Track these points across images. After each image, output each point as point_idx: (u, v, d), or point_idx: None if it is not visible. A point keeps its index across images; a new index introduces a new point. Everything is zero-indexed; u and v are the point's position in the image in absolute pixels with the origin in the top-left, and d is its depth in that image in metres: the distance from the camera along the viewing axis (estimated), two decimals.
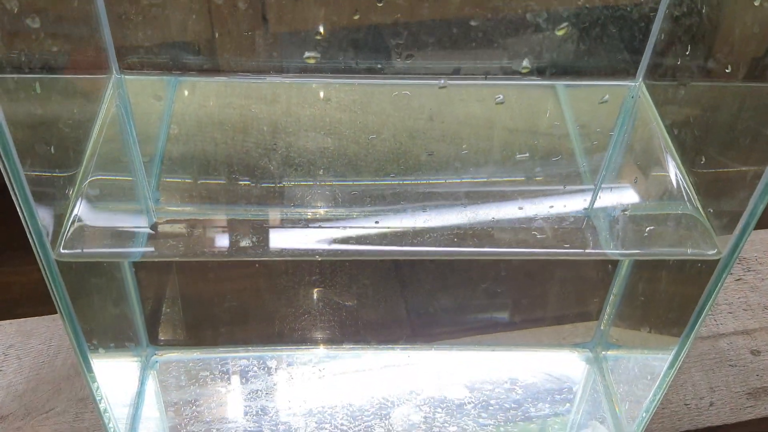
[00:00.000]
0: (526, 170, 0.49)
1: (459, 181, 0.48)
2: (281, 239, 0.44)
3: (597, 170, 0.49)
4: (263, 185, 0.47)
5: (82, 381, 0.58)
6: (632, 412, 0.55)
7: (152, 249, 0.41)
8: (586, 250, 0.44)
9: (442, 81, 0.50)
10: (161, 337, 0.60)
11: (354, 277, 0.59)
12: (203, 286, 0.59)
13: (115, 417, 0.51)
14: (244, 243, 0.43)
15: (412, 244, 0.44)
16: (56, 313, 0.46)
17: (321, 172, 0.48)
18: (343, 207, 0.46)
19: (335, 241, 0.44)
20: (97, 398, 0.48)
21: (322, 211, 0.46)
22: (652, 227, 0.45)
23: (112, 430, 0.51)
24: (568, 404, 0.58)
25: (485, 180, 0.49)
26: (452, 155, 0.50)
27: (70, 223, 0.40)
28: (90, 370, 0.47)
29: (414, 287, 0.60)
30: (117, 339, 0.54)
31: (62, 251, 0.38)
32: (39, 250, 0.37)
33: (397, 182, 0.47)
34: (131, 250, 0.42)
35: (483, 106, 0.53)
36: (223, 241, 0.43)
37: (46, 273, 0.38)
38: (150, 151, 0.48)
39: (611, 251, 0.44)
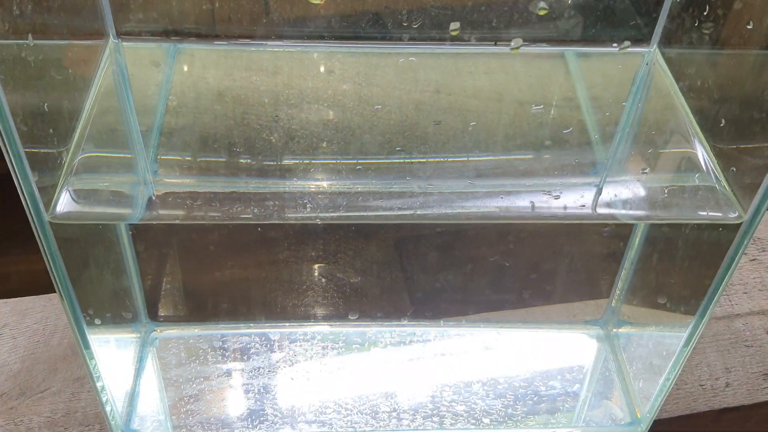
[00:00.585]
0: (537, 142, 0.48)
1: (467, 155, 0.47)
2: (283, 203, 0.43)
3: (610, 141, 0.48)
4: (264, 157, 0.45)
5: (78, 361, 0.57)
6: (646, 391, 0.53)
7: (150, 211, 0.40)
8: (598, 211, 0.43)
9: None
10: (161, 313, 0.59)
11: (358, 252, 0.57)
12: (204, 261, 0.57)
13: (113, 395, 0.49)
14: (246, 207, 0.41)
15: (417, 208, 0.42)
16: (53, 292, 0.45)
17: (324, 144, 0.47)
18: (347, 180, 0.45)
19: (338, 205, 0.43)
20: (94, 375, 0.47)
21: (325, 184, 0.44)
22: (669, 193, 0.43)
23: (109, 408, 0.49)
24: (578, 383, 0.56)
25: (494, 152, 0.48)
26: (459, 127, 0.48)
27: (64, 187, 0.38)
28: (87, 346, 0.46)
29: (418, 264, 0.58)
30: (115, 314, 0.53)
31: (57, 212, 0.37)
32: (32, 213, 0.35)
33: (403, 159, 0.46)
34: (129, 212, 0.40)
35: (491, 79, 0.52)
36: (224, 204, 0.42)
37: (39, 237, 0.37)
38: (148, 122, 0.46)
39: (628, 212, 0.43)
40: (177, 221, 0.43)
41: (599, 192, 0.44)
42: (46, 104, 0.37)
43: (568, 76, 0.51)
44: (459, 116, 0.50)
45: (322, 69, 0.51)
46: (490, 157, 0.47)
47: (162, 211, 0.41)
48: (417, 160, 0.46)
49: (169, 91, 0.48)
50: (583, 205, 0.43)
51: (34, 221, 0.36)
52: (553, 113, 0.50)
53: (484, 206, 0.43)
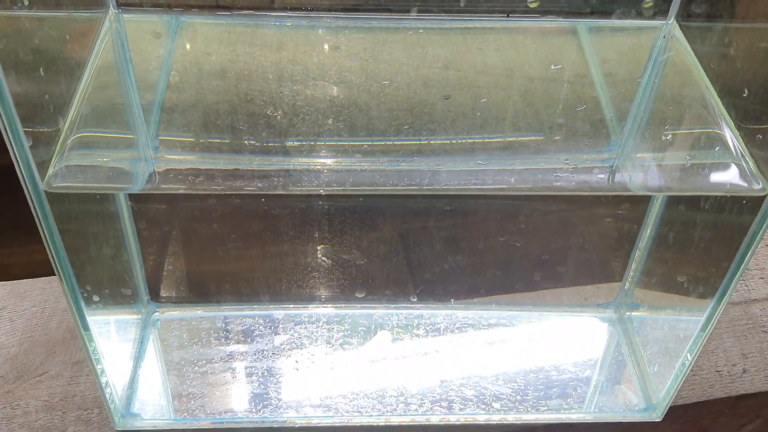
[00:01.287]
0: (549, 119, 0.47)
1: (477, 132, 0.45)
2: (288, 179, 0.41)
3: (625, 118, 0.46)
4: (268, 135, 0.44)
5: (78, 344, 0.55)
6: (661, 376, 0.52)
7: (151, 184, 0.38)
8: (616, 180, 0.42)
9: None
10: (163, 293, 0.57)
11: (364, 233, 0.56)
12: (207, 241, 0.56)
13: (113, 378, 0.48)
14: (249, 182, 0.40)
15: (425, 183, 0.41)
16: (52, 274, 0.43)
17: (330, 121, 0.45)
18: (353, 158, 0.43)
19: (344, 181, 0.42)
20: (93, 357, 0.46)
21: (330, 161, 0.43)
22: (690, 166, 0.42)
23: (108, 392, 0.48)
24: (591, 368, 0.55)
25: (504, 128, 0.46)
26: (469, 104, 0.47)
27: (61, 157, 0.37)
28: (86, 327, 0.44)
29: (426, 245, 0.57)
30: (115, 293, 0.51)
31: (53, 182, 0.35)
32: (27, 182, 0.34)
33: (411, 138, 0.44)
34: (127, 183, 0.39)
35: (501, 55, 0.50)
36: (226, 180, 0.40)
37: (35, 208, 0.35)
38: (149, 97, 0.45)
39: (646, 184, 0.42)
40: (180, 191, 0.41)
41: (615, 165, 0.43)
42: (42, 69, 0.35)
43: (580, 52, 0.50)
44: (468, 92, 0.48)
45: (327, 45, 0.49)
46: (500, 138, 0.46)
47: (163, 185, 0.39)
48: (426, 141, 0.45)
49: (171, 66, 0.47)
50: (600, 177, 0.42)
51: (28, 190, 0.34)
52: (565, 90, 0.48)
53: (495, 179, 0.42)
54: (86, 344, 0.45)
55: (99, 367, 0.46)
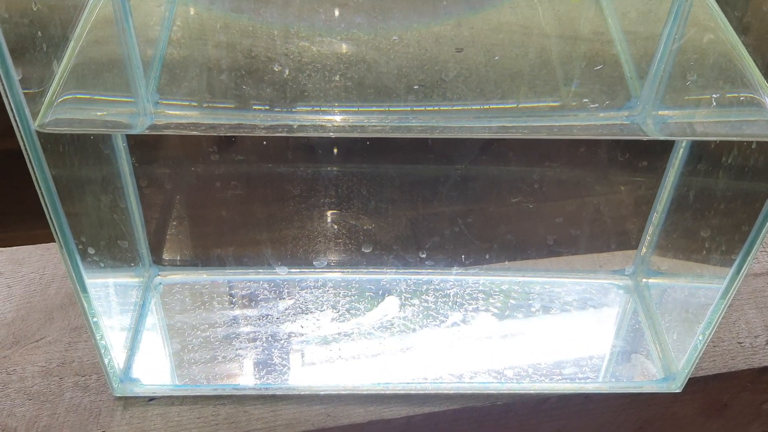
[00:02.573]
0: (567, 76, 0.45)
1: (491, 90, 0.44)
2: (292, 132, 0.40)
3: (645, 76, 0.44)
4: (273, 92, 0.42)
5: (76, 310, 0.54)
6: (680, 346, 0.50)
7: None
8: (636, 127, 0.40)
9: None
10: (165, 256, 0.55)
11: (372, 194, 0.54)
12: (212, 202, 0.54)
13: (112, 342, 0.46)
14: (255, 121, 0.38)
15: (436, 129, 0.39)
16: (52, 240, 0.42)
17: (337, 77, 0.43)
18: (361, 114, 0.41)
19: (352, 124, 0.40)
20: (91, 319, 0.44)
21: (338, 118, 0.41)
22: (713, 119, 0.40)
23: (107, 356, 0.46)
24: (606, 336, 0.53)
25: (520, 86, 0.44)
26: (482, 61, 0.45)
27: (56, 96, 0.35)
28: (84, 289, 0.43)
29: (436, 206, 0.55)
30: (115, 256, 0.49)
31: (46, 121, 0.33)
32: (18, 121, 0.32)
33: (421, 97, 0.42)
34: (125, 120, 0.37)
35: (516, 13, 0.48)
36: (230, 130, 0.39)
37: (27, 150, 0.33)
38: (149, 53, 0.43)
39: (669, 129, 0.40)
40: (181, 130, 0.39)
41: (635, 121, 0.41)
42: (34, 2, 0.33)
43: (599, 10, 0.48)
44: (482, 50, 0.46)
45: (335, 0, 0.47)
46: (515, 97, 0.44)
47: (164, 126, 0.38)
48: (436, 102, 0.43)
49: (173, 21, 0.45)
50: (621, 122, 0.40)
51: (20, 130, 0.32)
52: (583, 48, 0.47)
53: (511, 125, 0.40)
54: (83, 304, 0.43)
55: (97, 330, 0.45)
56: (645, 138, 0.41)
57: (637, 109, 0.42)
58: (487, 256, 0.56)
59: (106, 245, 0.47)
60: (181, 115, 0.42)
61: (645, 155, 0.52)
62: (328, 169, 0.53)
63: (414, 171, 0.54)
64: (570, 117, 0.42)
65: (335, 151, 0.53)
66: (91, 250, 0.42)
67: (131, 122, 0.39)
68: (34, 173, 0.34)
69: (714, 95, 0.41)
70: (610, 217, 0.56)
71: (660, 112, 0.42)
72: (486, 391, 0.50)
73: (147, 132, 0.37)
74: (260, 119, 0.41)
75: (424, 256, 0.56)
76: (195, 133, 0.39)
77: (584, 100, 0.43)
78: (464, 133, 0.40)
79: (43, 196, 0.35)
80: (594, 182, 0.54)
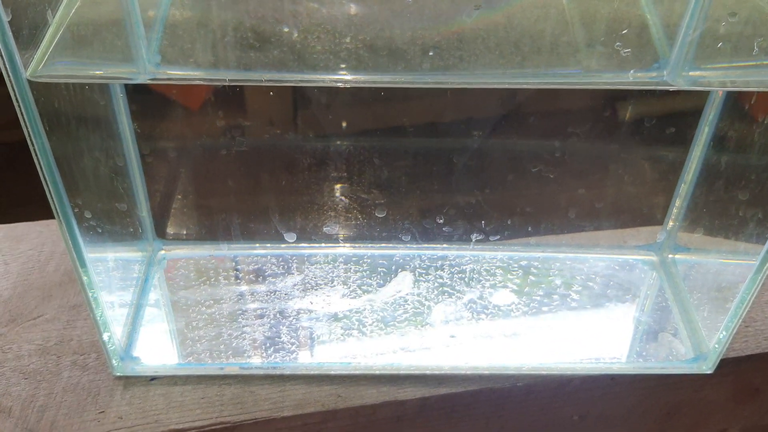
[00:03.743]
0: (591, 37, 0.42)
1: (510, 53, 0.41)
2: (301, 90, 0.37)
3: (674, 39, 0.42)
4: (279, 53, 0.40)
5: (76, 288, 0.51)
6: (710, 325, 0.47)
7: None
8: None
9: None
10: (170, 230, 0.53)
11: (385, 164, 0.51)
12: (218, 174, 0.52)
13: (111, 318, 0.44)
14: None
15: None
16: (51, 218, 0.39)
17: (348, 39, 0.41)
18: (373, 74, 0.39)
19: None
20: (89, 292, 0.42)
21: (349, 77, 0.39)
22: (747, 76, 0.37)
23: (107, 334, 0.44)
24: (632, 314, 0.50)
25: (541, 49, 0.42)
26: (502, 22, 0.43)
27: (50, 45, 0.33)
28: (82, 259, 0.40)
29: (452, 176, 0.53)
30: (115, 222, 0.47)
31: (39, 70, 0.31)
32: (8, 68, 0.30)
33: (437, 62, 0.40)
34: (123, 71, 0.35)
35: None
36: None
37: (17, 100, 0.31)
38: (150, 14, 0.41)
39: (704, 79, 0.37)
40: (186, 81, 0.37)
41: (666, 76, 0.39)
42: None
43: None
44: (500, 11, 0.44)
45: None
46: (537, 59, 0.41)
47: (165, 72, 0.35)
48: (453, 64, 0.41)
49: None
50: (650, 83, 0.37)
51: (10, 79, 0.30)
52: (607, 8, 0.44)
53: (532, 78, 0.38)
54: (81, 277, 0.41)
55: (96, 305, 0.42)
56: (674, 88, 0.38)
57: (667, 69, 0.40)
58: (505, 231, 0.54)
59: (105, 211, 0.45)
60: (183, 75, 0.40)
61: (672, 121, 0.49)
62: (340, 136, 0.51)
63: (429, 137, 0.52)
64: (594, 77, 0.39)
65: (346, 118, 0.50)
66: (87, 214, 0.39)
67: (130, 76, 0.37)
68: (26, 125, 0.32)
69: (748, 51, 0.39)
70: (635, 188, 0.53)
71: (691, 73, 0.40)
72: (505, 372, 0.47)
73: (148, 81, 0.35)
74: (266, 80, 0.39)
75: (439, 228, 0.54)
76: (199, 83, 0.37)
77: (608, 61, 0.40)
78: (483, 81, 0.38)
79: (36, 152, 0.33)
80: (619, 150, 0.52)
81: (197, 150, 0.51)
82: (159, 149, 0.50)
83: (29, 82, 0.31)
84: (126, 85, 0.46)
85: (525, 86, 0.41)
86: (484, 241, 0.54)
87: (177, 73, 0.39)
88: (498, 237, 0.53)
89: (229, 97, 0.50)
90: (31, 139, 0.32)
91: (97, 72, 0.36)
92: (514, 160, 0.52)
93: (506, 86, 0.39)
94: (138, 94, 0.48)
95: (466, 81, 0.38)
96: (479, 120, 0.51)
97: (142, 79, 0.35)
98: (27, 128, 0.32)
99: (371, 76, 0.39)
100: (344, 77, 0.39)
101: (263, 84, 0.38)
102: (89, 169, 0.42)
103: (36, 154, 0.33)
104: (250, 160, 0.51)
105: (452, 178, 0.53)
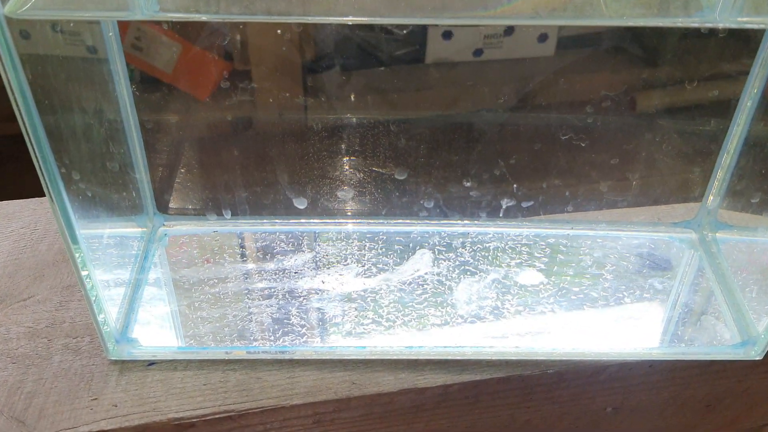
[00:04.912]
0: None
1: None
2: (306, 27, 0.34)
3: None
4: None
5: (70, 268, 0.48)
6: (757, 307, 0.44)
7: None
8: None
9: None
10: (171, 204, 0.50)
11: (401, 133, 0.48)
12: (223, 146, 0.48)
13: (105, 297, 0.40)
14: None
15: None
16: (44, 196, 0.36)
17: None
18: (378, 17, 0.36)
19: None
20: (80, 267, 0.38)
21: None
22: None
23: (101, 314, 0.41)
24: (671, 296, 0.47)
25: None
26: None
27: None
28: (75, 240, 0.37)
29: (473, 148, 0.49)
30: (112, 196, 0.44)
31: (20, 11, 0.27)
32: None
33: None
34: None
35: None
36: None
37: None
38: None
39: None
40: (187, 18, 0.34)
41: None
42: None
43: None
44: None
45: None
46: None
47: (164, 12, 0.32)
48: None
49: None
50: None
51: None
52: None
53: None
54: (72, 252, 0.37)
55: (88, 282, 0.39)
56: (721, 26, 0.35)
57: (711, 16, 0.36)
58: (532, 205, 0.50)
59: (99, 179, 0.41)
60: (183, 18, 0.37)
61: (715, 82, 0.46)
62: (352, 100, 0.47)
63: (450, 103, 0.48)
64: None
65: (359, 81, 0.47)
66: (76, 176, 0.36)
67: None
68: (4, 70, 0.29)
69: None
70: (673, 161, 0.49)
71: (739, 18, 0.36)
72: (535, 358, 0.43)
73: (141, 18, 0.31)
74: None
75: (466, 193, 0.50)
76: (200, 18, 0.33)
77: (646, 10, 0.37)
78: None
79: (15, 101, 0.30)
80: (655, 116, 0.48)
81: (202, 119, 0.48)
82: (161, 119, 0.46)
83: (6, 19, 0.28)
84: (131, 74, 0.43)
85: (564, 24, 0.37)
86: (515, 208, 0.50)
87: (177, 15, 0.35)
88: (531, 203, 0.49)
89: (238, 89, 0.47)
90: (9, 85, 0.29)
91: (86, 14, 0.33)
92: (542, 127, 0.48)
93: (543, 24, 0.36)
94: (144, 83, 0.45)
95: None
96: (504, 83, 0.47)
97: (138, 16, 0.31)
98: (3, 68, 0.28)
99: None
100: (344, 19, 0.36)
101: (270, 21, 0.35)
102: (79, 127, 0.39)
103: (15, 102, 0.29)
104: (259, 128, 0.47)
105: (477, 147, 0.49)
